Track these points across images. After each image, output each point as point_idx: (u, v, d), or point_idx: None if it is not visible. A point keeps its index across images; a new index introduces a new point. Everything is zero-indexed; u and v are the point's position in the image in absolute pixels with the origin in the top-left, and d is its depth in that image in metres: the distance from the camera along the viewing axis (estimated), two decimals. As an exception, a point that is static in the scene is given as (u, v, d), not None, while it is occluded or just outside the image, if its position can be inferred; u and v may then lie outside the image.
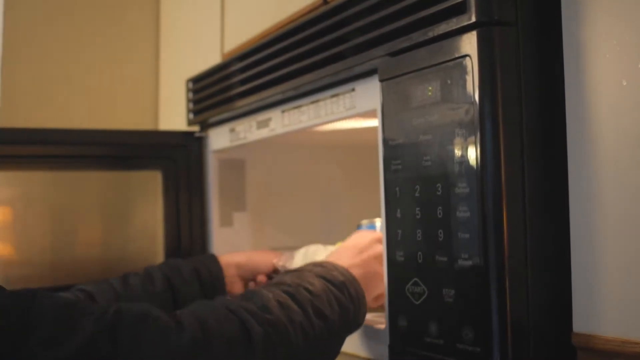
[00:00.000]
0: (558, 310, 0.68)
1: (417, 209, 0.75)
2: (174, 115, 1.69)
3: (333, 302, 0.78)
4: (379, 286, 0.89)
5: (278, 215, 1.41)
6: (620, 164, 0.63)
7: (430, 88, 0.73)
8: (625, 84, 0.62)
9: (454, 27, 0.70)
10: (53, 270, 1.21)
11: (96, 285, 1.01)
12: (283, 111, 1.09)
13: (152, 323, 0.65)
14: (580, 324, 0.66)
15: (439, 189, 0.72)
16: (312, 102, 1.01)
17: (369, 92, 0.88)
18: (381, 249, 0.87)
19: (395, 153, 0.78)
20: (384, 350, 0.81)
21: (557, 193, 0.68)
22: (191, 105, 1.36)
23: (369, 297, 0.87)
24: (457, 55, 0.70)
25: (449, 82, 0.71)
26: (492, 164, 0.67)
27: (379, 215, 0.84)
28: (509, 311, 0.66)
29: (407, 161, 0.77)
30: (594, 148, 0.65)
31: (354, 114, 0.93)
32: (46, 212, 1.24)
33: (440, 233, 0.72)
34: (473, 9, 0.67)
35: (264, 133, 1.15)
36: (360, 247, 0.92)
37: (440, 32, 0.71)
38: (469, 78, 0.68)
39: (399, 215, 0.78)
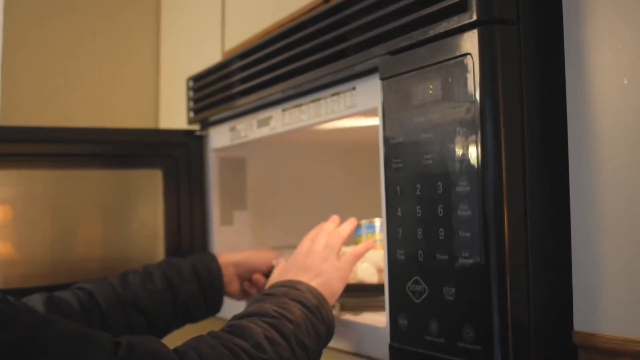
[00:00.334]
0: (559, 309, 0.68)
1: (418, 207, 0.75)
2: (174, 114, 1.68)
3: (311, 329, 0.82)
4: (338, 293, 0.93)
5: (278, 214, 1.41)
6: (621, 163, 0.63)
7: (431, 86, 0.73)
8: (626, 82, 0.62)
9: (455, 26, 0.69)
10: (53, 268, 1.20)
11: (95, 284, 1.01)
12: (284, 110, 1.09)
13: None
14: (581, 322, 0.66)
15: (440, 187, 0.72)
16: (313, 101, 1.01)
17: (370, 91, 0.88)
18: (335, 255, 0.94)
19: (396, 151, 0.78)
20: (385, 349, 0.81)
21: (557, 191, 0.68)
22: (192, 104, 1.36)
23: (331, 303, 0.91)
24: (458, 54, 0.69)
25: (449, 80, 0.71)
26: (493, 163, 0.66)
27: (379, 214, 0.84)
28: (509, 309, 0.66)
29: (408, 160, 0.77)
30: (594, 146, 0.65)
31: (354, 112, 0.93)
32: (46, 211, 1.24)
33: (441, 232, 0.72)
34: (474, 8, 0.67)
35: (264, 132, 1.15)
36: (317, 256, 0.94)
37: (441, 30, 0.71)
38: (469, 76, 0.68)
39: (399, 213, 0.78)
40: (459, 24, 0.69)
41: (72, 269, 1.22)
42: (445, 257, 0.71)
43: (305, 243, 0.98)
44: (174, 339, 1.11)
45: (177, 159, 1.31)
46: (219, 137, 1.30)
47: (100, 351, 0.63)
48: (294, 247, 1.02)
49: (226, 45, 1.37)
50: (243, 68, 1.16)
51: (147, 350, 0.67)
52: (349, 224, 1.01)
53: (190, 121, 1.37)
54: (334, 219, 1.02)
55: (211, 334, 0.76)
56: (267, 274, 1.16)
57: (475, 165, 0.67)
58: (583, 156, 0.66)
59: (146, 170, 1.31)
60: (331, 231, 0.99)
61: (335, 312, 0.98)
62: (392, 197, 0.79)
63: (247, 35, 1.26)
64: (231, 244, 1.31)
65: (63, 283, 1.09)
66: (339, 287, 0.93)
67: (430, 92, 0.73)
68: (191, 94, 1.36)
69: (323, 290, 0.89)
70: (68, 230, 1.25)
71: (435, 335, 0.73)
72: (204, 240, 1.33)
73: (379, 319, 0.91)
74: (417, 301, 0.75)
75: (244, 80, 1.15)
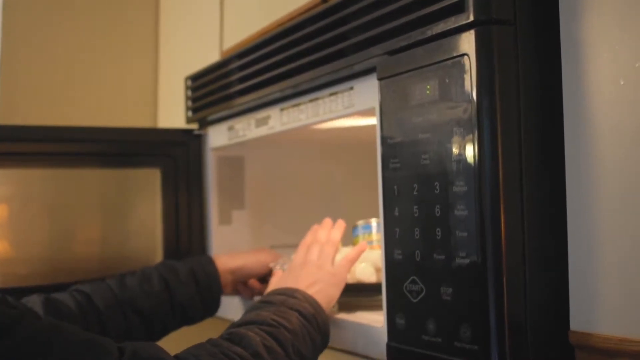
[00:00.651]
0: (556, 308, 0.68)
1: (415, 207, 0.75)
2: (173, 113, 1.69)
3: (307, 338, 0.84)
4: (334, 299, 0.95)
5: (277, 213, 1.41)
6: (618, 163, 0.63)
7: (428, 87, 0.73)
8: (622, 83, 0.62)
9: (452, 26, 0.70)
10: (52, 268, 1.20)
11: (93, 286, 1.02)
12: (282, 109, 1.09)
13: None
14: (578, 322, 0.66)
15: (437, 187, 0.72)
16: (311, 100, 1.01)
17: (368, 91, 0.88)
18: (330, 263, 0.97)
19: (394, 151, 0.78)
20: (382, 348, 0.81)
21: (554, 191, 0.68)
22: (190, 103, 1.36)
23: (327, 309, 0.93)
24: (455, 54, 0.70)
25: (447, 80, 0.71)
26: (490, 163, 0.67)
27: (377, 213, 0.84)
28: (506, 309, 0.66)
29: (406, 160, 0.77)
30: (591, 146, 0.65)
31: (352, 112, 0.93)
32: (45, 210, 1.24)
33: (438, 231, 0.72)
34: (471, 8, 0.67)
35: (262, 131, 1.15)
36: (313, 265, 0.97)
37: (439, 31, 0.71)
38: (467, 77, 0.68)
39: (397, 213, 0.78)
40: (456, 25, 0.69)
41: (71, 268, 1.22)
42: (443, 257, 0.71)
43: (301, 252, 1.00)
44: (174, 341, 1.11)
45: (175, 158, 1.31)
46: (218, 136, 1.30)
47: (105, 356, 0.64)
48: (292, 246, 1.03)
49: (224, 45, 1.37)
50: (241, 67, 1.16)
51: (150, 356, 0.68)
52: (338, 229, 1.03)
53: (189, 120, 1.37)
54: (327, 222, 1.04)
55: (211, 341, 0.77)
56: (262, 278, 1.17)
57: (473, 165, 0.67)
58: (580, 156, 0.66)
59: (145, 169, 1.31)
60: (324, 239, 1.01)
61: (333, 311, 0.98)
62: (390, 197, 0.79)
63: (246, 35, 1.27)
64: (230, 243, 1.31)
65: (62, 282, 1.09)
66: (335, 293, 0.94)
67: (428, 92, 0.73)
68: (189, 93, 1.36)
69: (320, 298, 0.91)
70: (67, 230, 1.25)
71: (433, 335, 0.73)
72: (203, 239, 1.33)
73: (377, 319, 0.91)
74: (415, 301, 0.75)
75: (242, 79, 1.15)
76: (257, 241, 1.37)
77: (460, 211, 0.69)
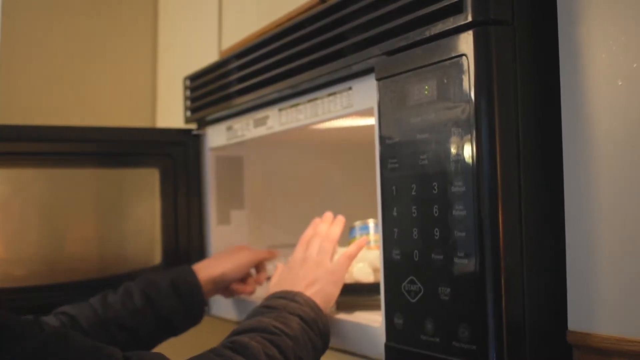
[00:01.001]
0: (554, 308, 0.68)
1: (414, 207, 0.75)
2: (171, 113, 1.68)
3: (308, 343, 0.84)
4: (333, 298, 0.95)
5: (276, 213, 1.41)
6: (616, 163, 0.63)
7: (426, 87, 0.73)
8: (620, 83, 0.62)
9: (451, 27, 0.70)
10: (49, 268, 1.20)
11: (76, 308, 1.03)
12: (280, 109, 1.09)
13: None
14: (576, 322, 0.66)
15: (436, 187, 0.72)
16: (309, 101, 1.01)
17: (366, 91, 0.88)
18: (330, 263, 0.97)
19: (392, 152, 0.79)
20: (380, 348, 0.81)
21: (552, 191, 0.69)
22: (189, 103, 1.36)
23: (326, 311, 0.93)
24: (453, 55, 0.70)
25: (445, 81, 0.71)
26: (488, 163, 0.67)
27: (375, 213, 0.84)
28: (504, 309, 0.66)
29: (404, 160, 0.77)
30: (589, 147, 0.65)
31: (351, 112, 0.93)
32: (42, 210, 1.23)
33: (437, 231, 0.72)
34: (469, 9, 0.67)
35: (261, 131, 1.15)
36: (311, 262, 0.97)
37: (437, 31, 0.72)
38: (465, 77, 0.68)
39: (395, 213, 0.78)
40: (454, 25, 0.69)
41: (69, 268, 1.21)
42: (441, 256, 0.71)
43: (300, 250, 1.01)
44: (174, 341, 1.11)
45: (174, 158, 1.31)
46: (216, 136, 1.30)
47: None
48: (291, 245, 1.03)
49: (223, 45, 1.37)
50: (240, 67, 1.16)
51: None
52: (338, 225, 1.03)
53: (187, 120, 1.37)
54: (328, 216, 1.04)
55: (214, 351, 0.78)
56: (244, 278, 1.18)
57: (471, 165, 0.68)
58: (578, 156, 0.66)
59: (143, 169, 1.31)
60: (323, 235, 1.01)
61: (332, 311, 0.98)
62: (388, 197, 0.79)
63: (244, 35, 1.27)
64: (228, 243, 1.31)
65: (60, 282, 1.09)
66: (334, 292, 0.95)
67: (426, 92, 0.73)
68: (188, 93, 1.36)
69: (319, 298, 0.91)
70: (64, 230, 1.25)
71: (431, 335, 0.73)
72: (201, 239, 1.33)
73: (375, 319, 0.91)
74: (413, 301, 0.75)
75: (240, 79, 1.15)
76: (255, 241, 1.37)
77: (459, 211, 0.69)
